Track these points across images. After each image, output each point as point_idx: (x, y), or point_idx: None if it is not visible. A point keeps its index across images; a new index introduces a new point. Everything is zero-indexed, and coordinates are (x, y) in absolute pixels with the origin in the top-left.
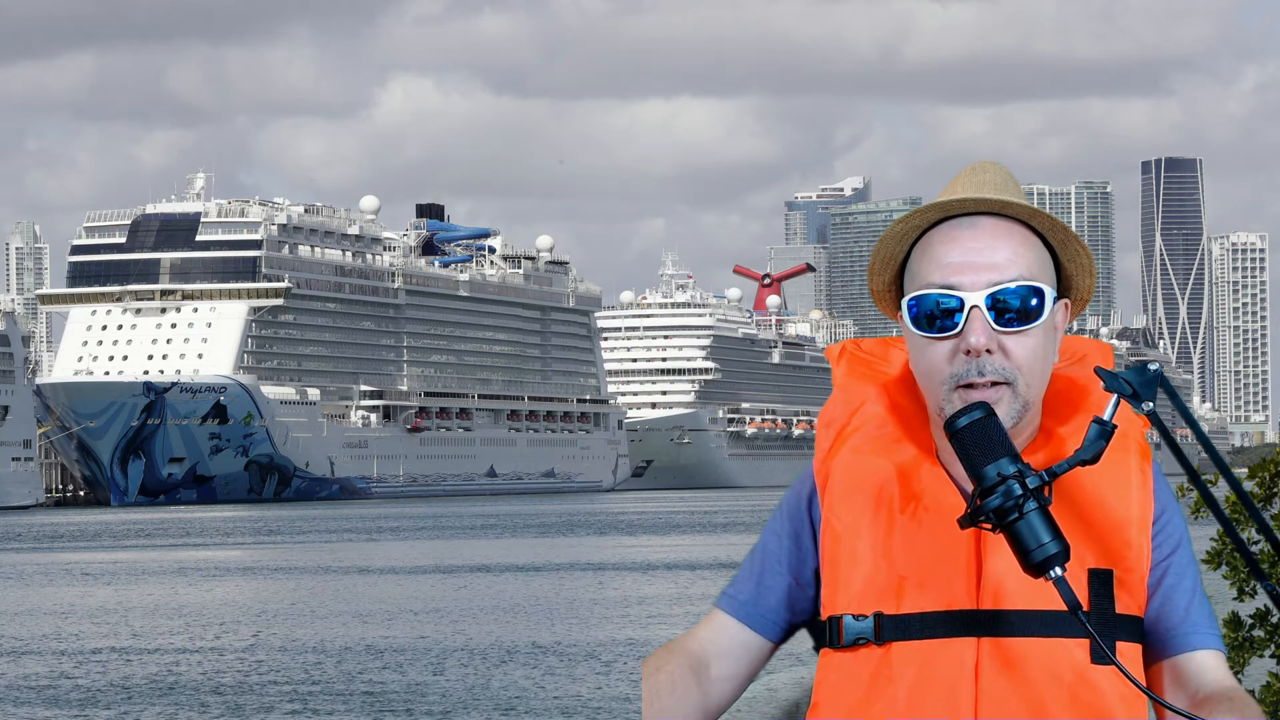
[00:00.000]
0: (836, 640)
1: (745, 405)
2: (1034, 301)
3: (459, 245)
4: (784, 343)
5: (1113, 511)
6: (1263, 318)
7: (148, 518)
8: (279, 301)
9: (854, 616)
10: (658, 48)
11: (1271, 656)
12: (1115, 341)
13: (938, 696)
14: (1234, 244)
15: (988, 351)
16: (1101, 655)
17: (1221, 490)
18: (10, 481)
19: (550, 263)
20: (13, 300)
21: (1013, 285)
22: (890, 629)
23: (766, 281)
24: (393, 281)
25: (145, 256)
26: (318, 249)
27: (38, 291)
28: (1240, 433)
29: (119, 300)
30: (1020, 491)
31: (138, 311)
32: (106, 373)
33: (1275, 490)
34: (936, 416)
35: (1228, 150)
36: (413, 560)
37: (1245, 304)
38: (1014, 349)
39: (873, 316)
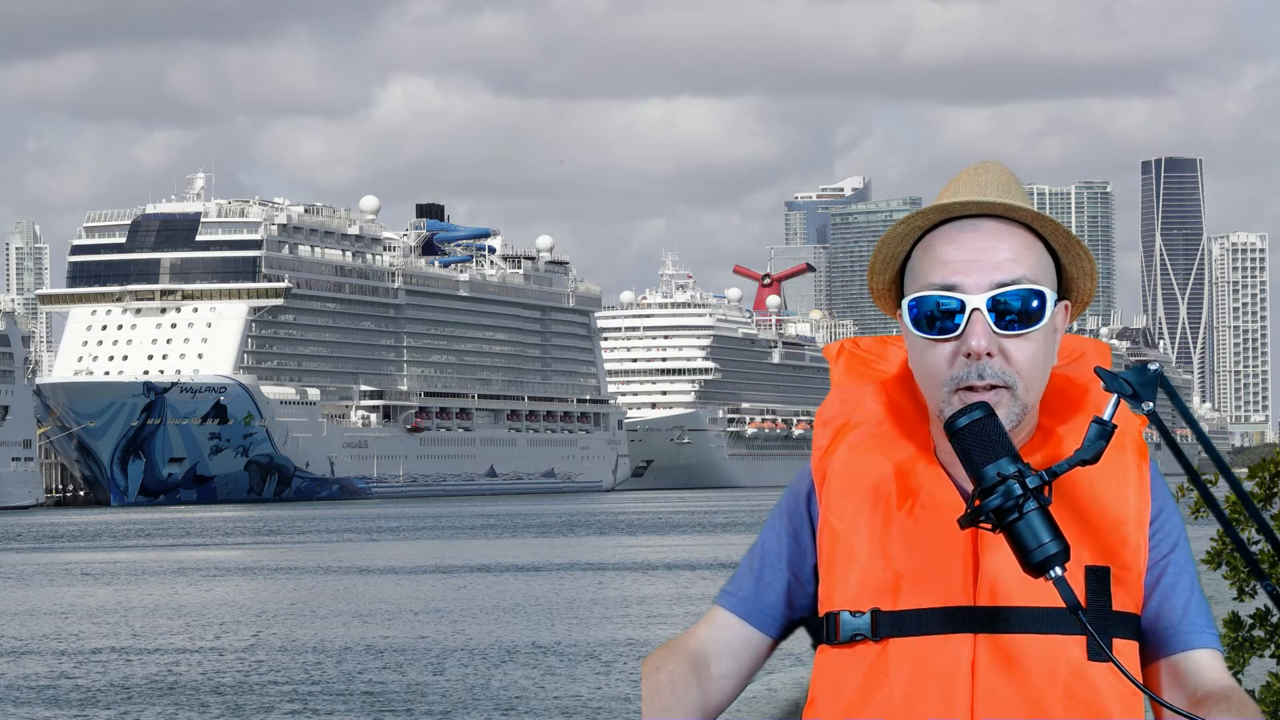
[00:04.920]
0: (834, 637)
1: (745, 405)
2: (1035, 304)
3: (459, 245)
4: (784, 343)
5: (1110, 509)
6: (1263, 318)
7: (148, 518)
8: (279, 301)
9: (851, 613)
10: (658, 48)
11: (1271, 656)
12: (1115, 341)
13: (934, 693)
14: (1234, 244)
15: (988, 355)
16: (1099, 652)
17: (1221, 490)
18: (10, 481)
19: (550, 263)
20: (13, 300)
21: (1014, 287)
22: (887, 625)
23: (766, 281)
24: (393, 281)
25: (145, 256)
26: (318, 249)
27: (38, 291)
28: (1240, 433)
29: (119, 300)
30: (1020, 491)
31: (138, 311)
32: (106, 373)
33: (1275, 490)
34: (936, 417)
35: (1228, 150)
36: (413, 560)
37: (1245, 304)
38: (1014, 352)
39: (873, 317)
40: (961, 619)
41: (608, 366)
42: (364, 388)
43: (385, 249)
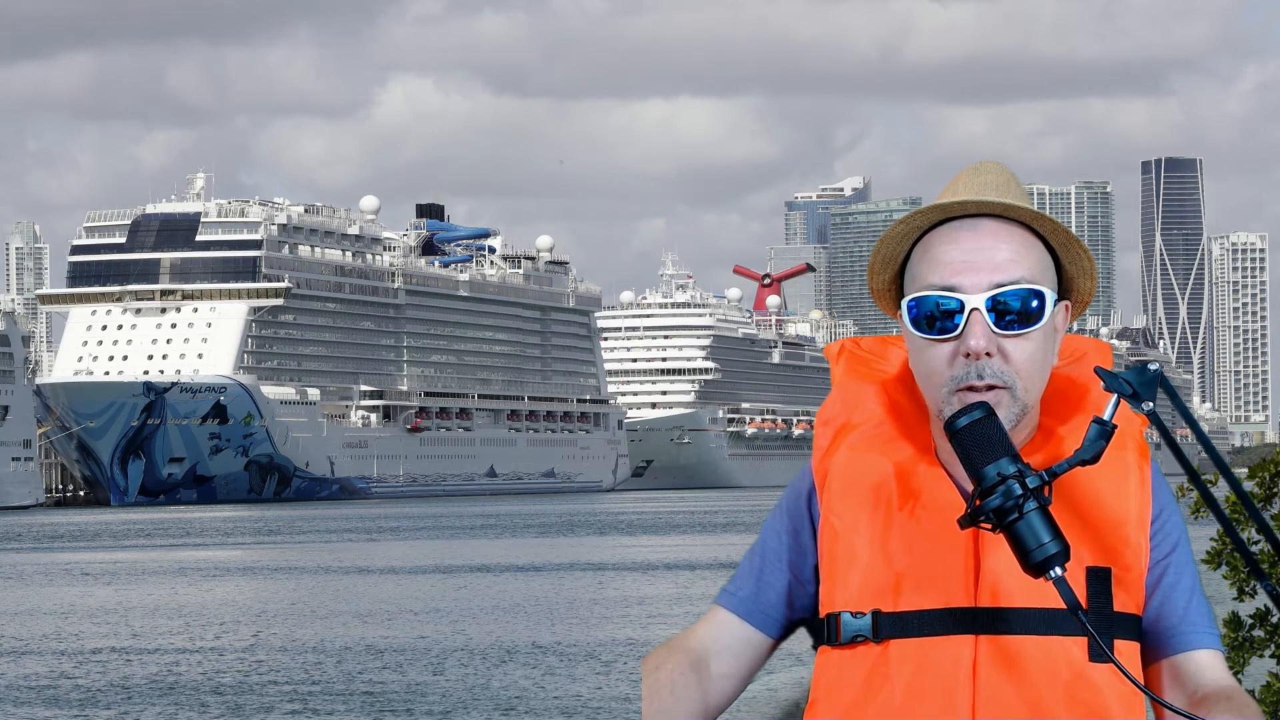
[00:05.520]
0: (834, 638)
1: (745, 405)
2: (1035, 304)
3: (459, 245)
4: (784, 343)
5: (1111, 510)
6: (1263, 318)
7: (148, 518)
8: (279, 301)
9: (852, 614)
10: (658, 48)
11: (1271, 656)
12: (1115, 341)
13: (935, 694)
14: (1234, 244)
15: (987, 355)
16: (1100, 653)
17: (1221, 490)
18: (10, 481)
19: (550, 263)
20: (13, 300)
21: (1014, 287)
22: (888, 626)
23: (766, 281)
24: (393, 281)
25: (145, 256)
26: (318, 249)
27: (38, 291)
28: (1240, 433)
29: (119, 300)
30: (1020, 491)
31: (138, 311)
32: (106, 373)
33: (1275, 490)
34: (936, 417)
35: (1228, 150)
36: (413, 560)
37: (1245, 304)
38: (1013, 352)
39: (873, 317)
40: (963, 620)
41: (608, 366)
42: (364, 388)
43: (385, 249)
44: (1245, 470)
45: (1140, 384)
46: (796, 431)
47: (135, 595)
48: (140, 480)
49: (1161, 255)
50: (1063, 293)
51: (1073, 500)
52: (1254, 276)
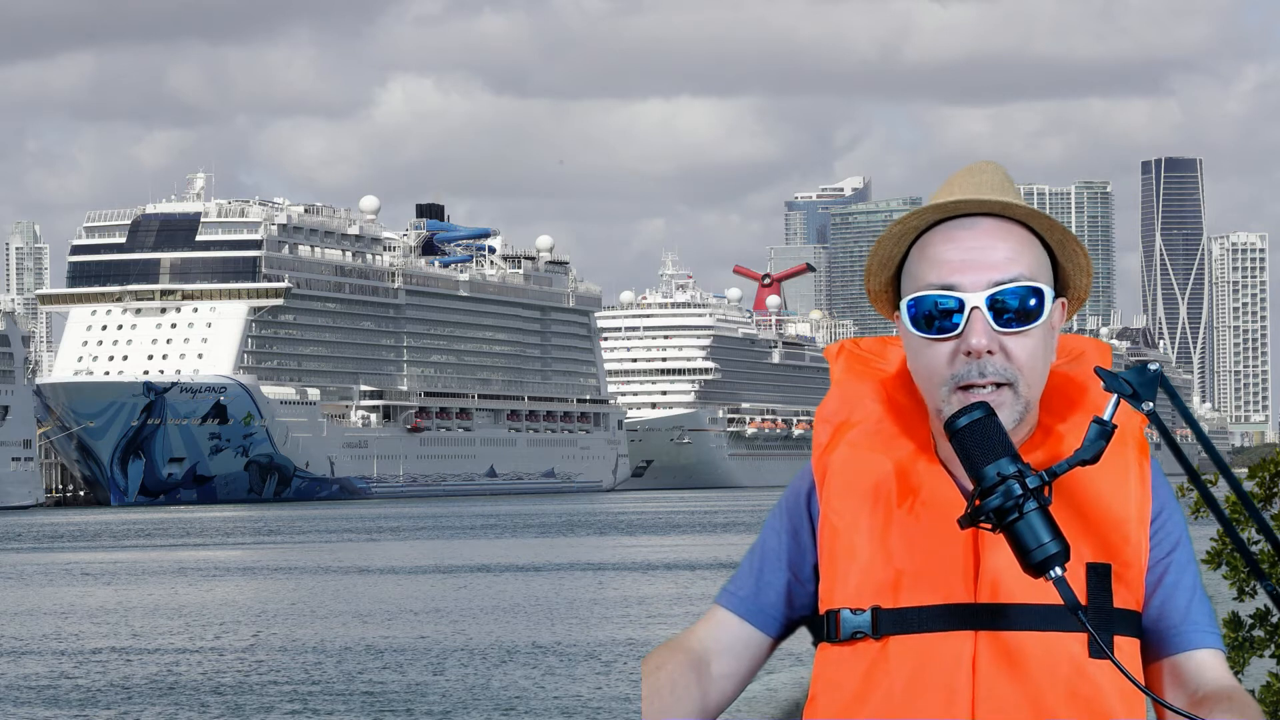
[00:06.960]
0: (834, 634)
1: (745, 405)
2: (1033, 302)
3: (459, 245)
4: (784, 343)
5: (1111, 508)
6: (1263, 318)
7: (148, 518)
8: (279, 301)
9: (852, 610)
10: (658, 48)
11: (1271, 656)
12: (1115, 341)
13: (935, 690)
14: (1234, 244)
15: (989, 353)
16: (1100, 650)
17: (1221, 490)
18: (10, 481)
19: (550, 263)
20: (13, 300)
21: (1012, 285)
22: (888, 622)
23: (766, 281)
24: (393, 281)
25: (145, 256)
26: (318, 249)
27: (38, 291)
28: (1240, 433)
29: (119, 300)
30: (1020, 491)
31: (138, 311)
32: (106, 373)
33: (1275, 490)
34: (935, 416)
35: (1228, 150)
36: (413, 560)
37: (1245, 304)
38: (1014, 349)
39: (873, 316)
40: (963, 616)
41: (608, 366)
42: (364, 388)
43: (385, 249)
44: (1245, 470)
45: (1140, 384)
46: (796, 431)
47: (135, 595)
48: (140, 480)
49: (1161, 255)
50: (1059, 290)
51: (1073, 498)
52: (1254, 276)
